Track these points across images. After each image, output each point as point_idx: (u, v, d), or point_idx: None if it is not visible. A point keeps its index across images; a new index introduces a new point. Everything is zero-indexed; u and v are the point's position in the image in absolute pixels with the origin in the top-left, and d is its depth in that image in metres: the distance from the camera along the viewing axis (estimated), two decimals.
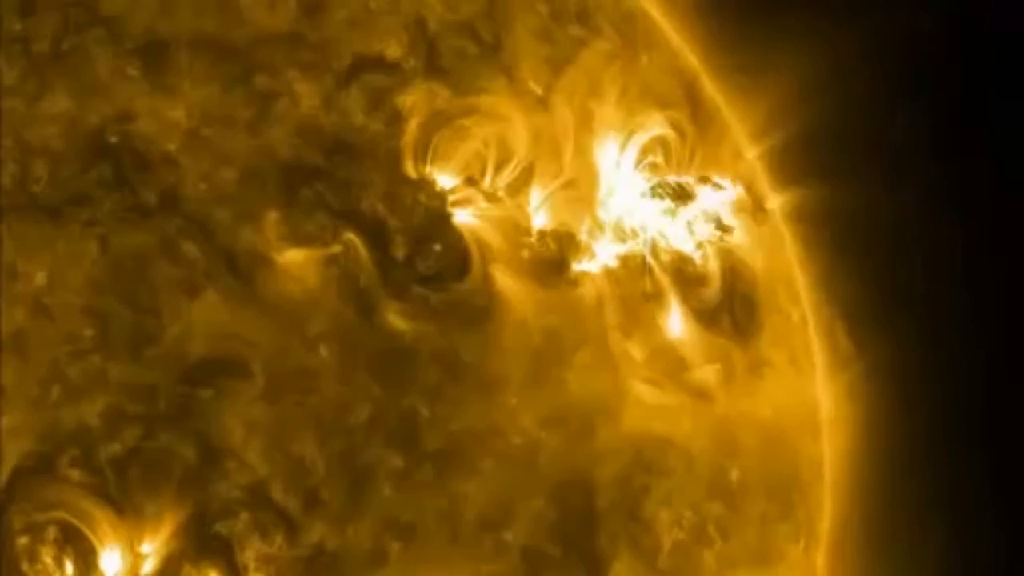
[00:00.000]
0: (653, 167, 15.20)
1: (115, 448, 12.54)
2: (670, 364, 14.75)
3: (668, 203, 14.76)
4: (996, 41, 14.86)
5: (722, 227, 15.05)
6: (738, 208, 15.40)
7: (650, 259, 14.84)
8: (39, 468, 12.38)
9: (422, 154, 14.09)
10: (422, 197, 13.94)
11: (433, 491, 13.42)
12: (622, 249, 14.75)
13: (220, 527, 12.75)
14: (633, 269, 14.75)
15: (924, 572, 14.82)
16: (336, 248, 13.53)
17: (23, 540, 12.19)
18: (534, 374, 14.02)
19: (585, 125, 15.03)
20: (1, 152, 12.88)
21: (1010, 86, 14.73)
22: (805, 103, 15.37)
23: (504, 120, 14.49)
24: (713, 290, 15.16)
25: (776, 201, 16.11)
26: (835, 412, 15.73)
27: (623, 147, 15.12)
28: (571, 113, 14.97)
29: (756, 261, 15.70)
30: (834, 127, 15.35)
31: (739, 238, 15.48)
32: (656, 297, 14.81)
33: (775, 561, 15.20)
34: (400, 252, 13.72)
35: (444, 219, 13.97)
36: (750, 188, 15.84)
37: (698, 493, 14.72)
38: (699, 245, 15.12)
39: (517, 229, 14.29)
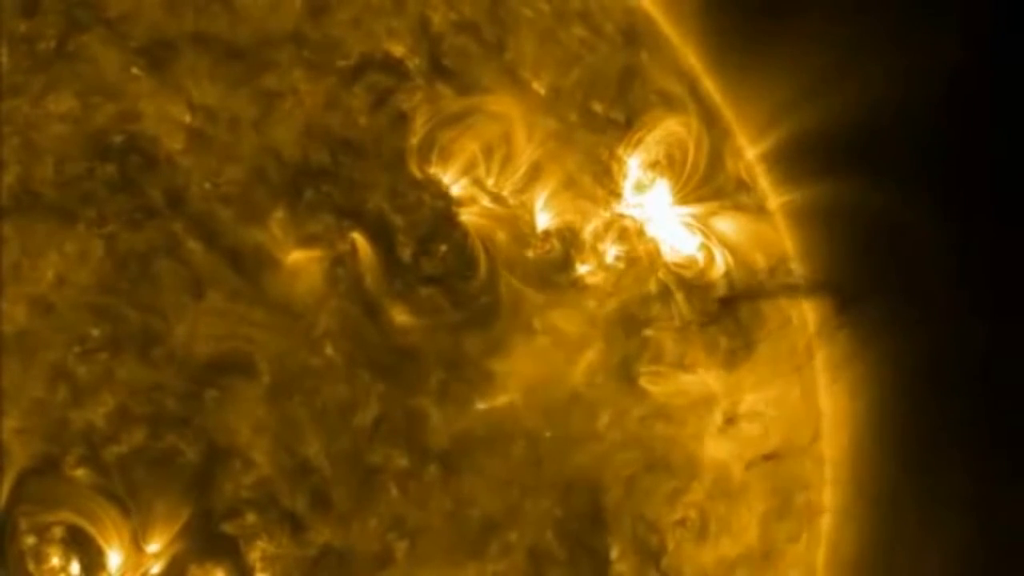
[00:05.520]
0: (656, 166, 15.23)
1: (121, 448, 12.54)
2: (674, 363, 14.78)
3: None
4: (1000, 41, 14.91)
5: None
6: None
7: (654, 259, 14.88)
8: (45, 468, 12.38)
9: (427, 154, 14.10)
10: (427, 197, 13.95)
11: (439, 491, 13.43)
12: (626, 249, 14.78)
13: (226, 527, 12.75)
14: (637, 269, 14.78)
15: (926, 572, 14.85)
16: (342, 248, 13.54)
17: (30, 540, 12.19)
18: (539, 374, 14.04)
19: (588, 125, 15.06)
20: (6, 152, 12.86)
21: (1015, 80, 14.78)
22: (805, 103, 15.39)
23: (508, 120, 14.50)
24: (716, 290, 15.20)
25: (776, 201, 16.13)
26: (836, 410, 15.75)
27: (626, 146, 15.15)
28: (574, 113, 15.00)
29: (757, 261, 15.73)
30: (834, 127, 15.37)
31: (741, 238, 15.54)
32: (660, 297, 14.84)
33: (776, 560, 15.23)
34: (406, 252, 13.73)
35: (449, 219, 13.98)
36: (751, 188, 15.91)
37: (701, 492, 14.75)
38: (702, 246, 15.18)
39: (522, 229, 14.31)
